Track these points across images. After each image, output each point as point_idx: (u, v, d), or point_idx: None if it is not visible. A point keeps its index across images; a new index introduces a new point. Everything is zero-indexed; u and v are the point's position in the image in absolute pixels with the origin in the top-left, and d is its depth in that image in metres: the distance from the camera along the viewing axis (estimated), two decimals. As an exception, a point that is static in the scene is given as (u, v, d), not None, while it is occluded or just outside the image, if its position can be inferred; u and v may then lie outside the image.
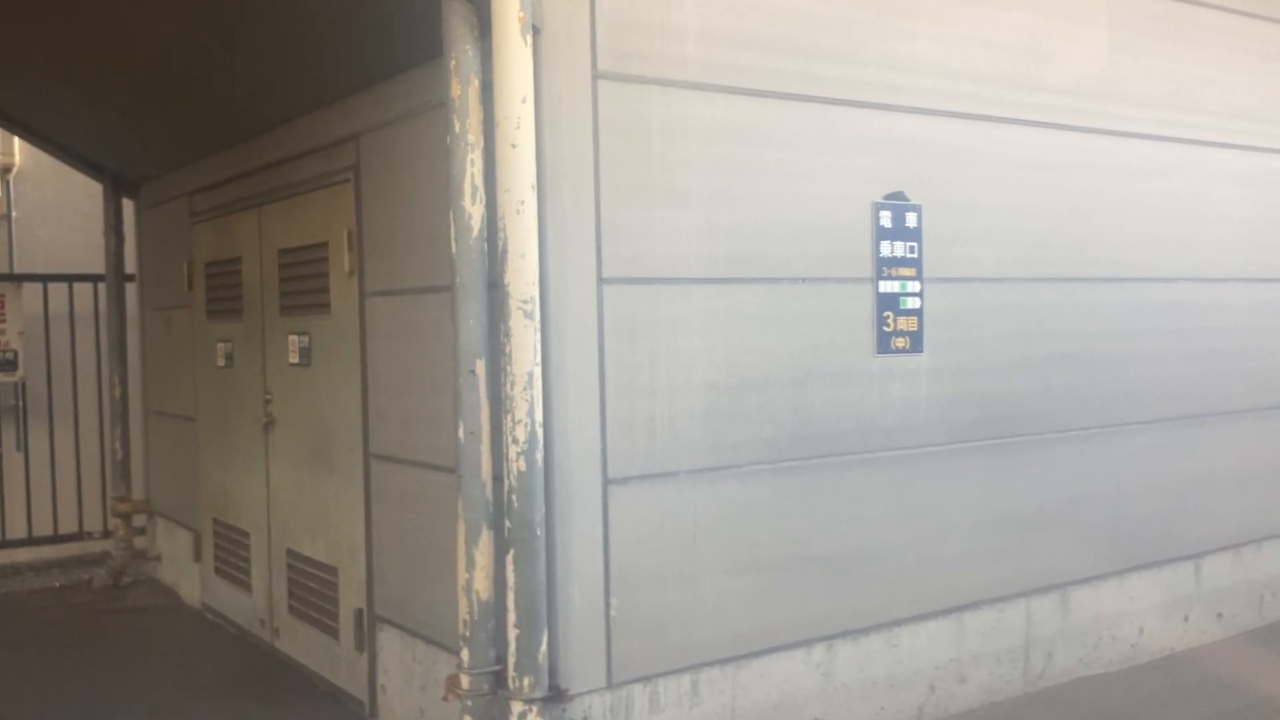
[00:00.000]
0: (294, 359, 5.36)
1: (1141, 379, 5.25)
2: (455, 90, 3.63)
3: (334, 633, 5.07)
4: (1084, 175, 5.01)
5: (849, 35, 4.31)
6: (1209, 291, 5.50)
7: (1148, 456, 5.28)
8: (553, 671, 3.66)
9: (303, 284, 5.27)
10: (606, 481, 3.79)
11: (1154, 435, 5.30)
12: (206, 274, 6.39)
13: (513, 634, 3.59)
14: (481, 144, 3.64)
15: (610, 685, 3.81)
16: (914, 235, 4.49)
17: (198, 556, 6.65)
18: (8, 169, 8.95)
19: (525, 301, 3.52)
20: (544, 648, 3.59)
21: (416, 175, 4.32)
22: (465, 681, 3.72)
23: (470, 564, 3.68)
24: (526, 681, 3.58)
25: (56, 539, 7.83)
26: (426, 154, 4.21)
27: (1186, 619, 5.48)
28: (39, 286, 7.81)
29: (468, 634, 3.71)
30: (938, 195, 4.56)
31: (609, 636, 3.80)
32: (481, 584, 3.69)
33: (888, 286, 4.43)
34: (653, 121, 3.86)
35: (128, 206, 7.58)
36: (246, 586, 5.99)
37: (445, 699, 3.84)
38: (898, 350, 4.46)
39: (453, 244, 3.68)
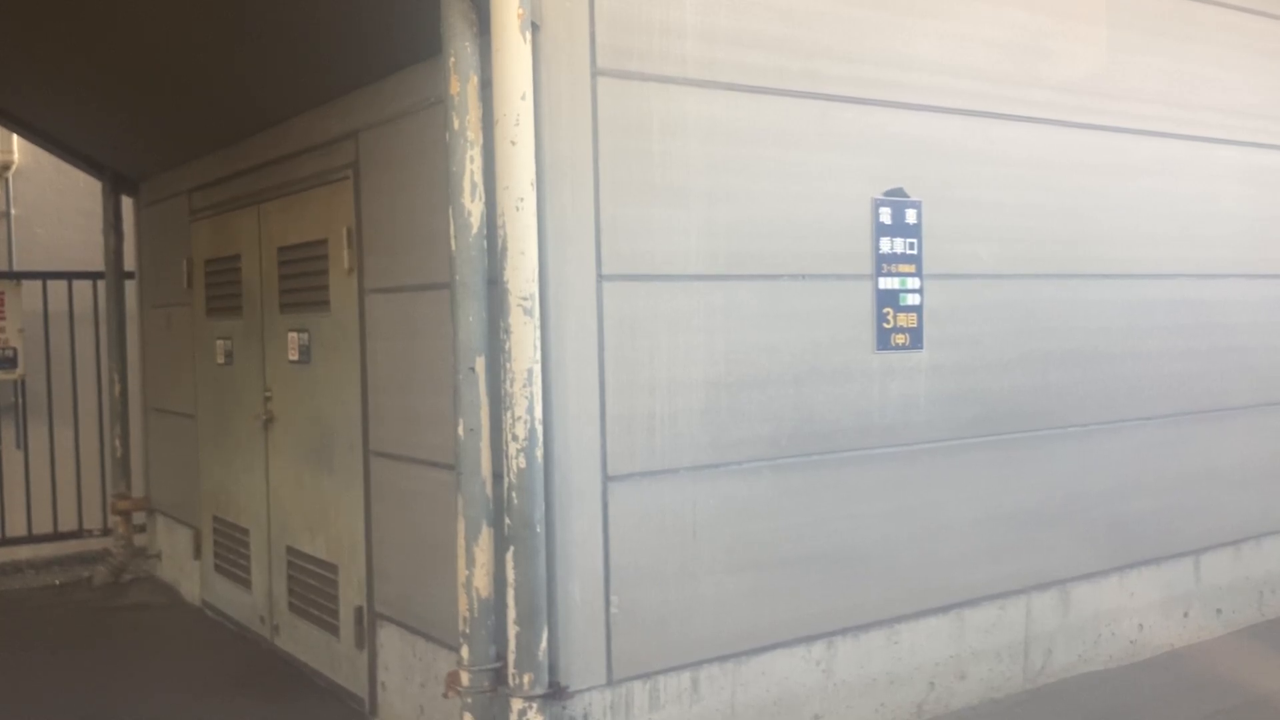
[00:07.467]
0: (294, 356, 5.36)
1: (1142, 375, 5.25)
2: (454, 87, 3.62)
3: (334, 630, 5.07)
4: (1085, 172, 5.01)
5: (849, 32, 4.30)
6: (1210, 288, 5.50)
7: (1148, 453, 5.28)
8: (553, 668, 3.67)
9: (302, 281, 5.27)
10: (606, 479, 3.79)
11: (1154, 431, 5.30)
12: (206, 271, 6.39)
13: (513, 631, 3.59)
14: (481, 141, 3.63)
15: (610, 682, 3.81)
16: (914, 232, 4.49)
17: (198, 554, 6.65)
18: (7, 166, 8.94)
19: (525, 299, 3.51)
20: (544, 645, 3.59)
21: (416, 172, 4.32)
22: (465, 678, 3.72)
23: (470, 561, 3.69)
24: (526, 678, 3.58)
25: (56, 536, 7.85)
26: (426, 151, 4.20)
27: (1186, 615, 5.48)
28: (38, 284, 7.81)
29: (468, 631, 3.71)
30: (938, 192, 4.55)
31: (609, 633, 3.80)
32: (481, 581, 3.69)
33: (887, 283, 4.43)
34: (652, 118, 3.86)
35: (127, 204, 7.57)
36: (246, 584, 5.99)
37: (445, 696, 3.85)
38: (898, 347, 4.46)
39: (452, 241, 3.68)
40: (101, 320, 7.76)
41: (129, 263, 7.57)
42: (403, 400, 4.50)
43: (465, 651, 3.73)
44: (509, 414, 3.54)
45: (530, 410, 3.53)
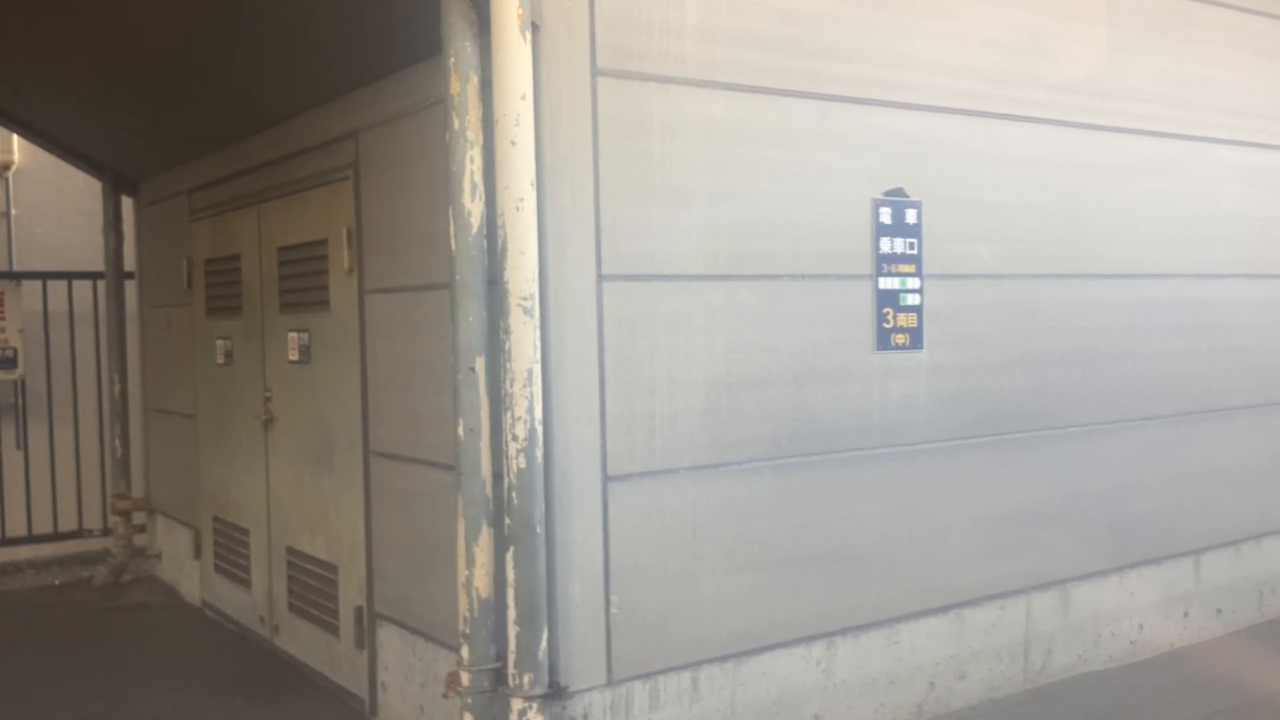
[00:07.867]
0: (294, 356, 5.36)
1: (1142, 375, 5.25)
2: (454, 87, 3.62)
3: (334, 630, 5.07)
4: (1085, 172, 5.01)
5: (849, 32, 4.30)
6: (1210, 288, 5.50)
7: (1148, 453, 5.28)
8: (553, 668, 3.67)
9: (302, 281, 5.27)
10: (606, 479, 3.79)
11: (1154, 431, 5.30)
12: (206, 271, 6.39)
13: (513, 631, 3.59)
14: (481, 141, 3.63)
15: (610, 682, 3.81)
16: (914, 232, 4.49)
17: (198, 554, 6.65)
18: (7, 166, 8.95)
19: (525, 299, 3.51)
20: (544, 645, 3.59)
21: (416, 173, 4.32)
22: (465, 678, 3.72)
23: (470, 561, 3.69)
24: (526, 679, 3.58)
25: (56, 537, 7.85)
26: (426, 151, 4.20)
27: (1186, 615, 5.48)
28: (38, 284, 7.81)
29: (468, 631, 3.71)
30: (938, 192, 4.55)
31: (609, 633, 3.80)
32: (482, 581, 3.69)
33: (888, 283, 4.43)
34: (652, 118, 3.86)
35: (127, 204, 7.57)
36: (246, 584, 5.99)
37: (445, 696, 3.85)
38: (898, 347, 4.46)
39: (452, 241, 3.68)
40: (101, 320, 7.76)
41: (129, 263, 7.57)
42: (403, 400, 4.50)
43: (465, 651, 3.73)
44: (509, 414, 3.54)
45: (530, 410, 3.53)
